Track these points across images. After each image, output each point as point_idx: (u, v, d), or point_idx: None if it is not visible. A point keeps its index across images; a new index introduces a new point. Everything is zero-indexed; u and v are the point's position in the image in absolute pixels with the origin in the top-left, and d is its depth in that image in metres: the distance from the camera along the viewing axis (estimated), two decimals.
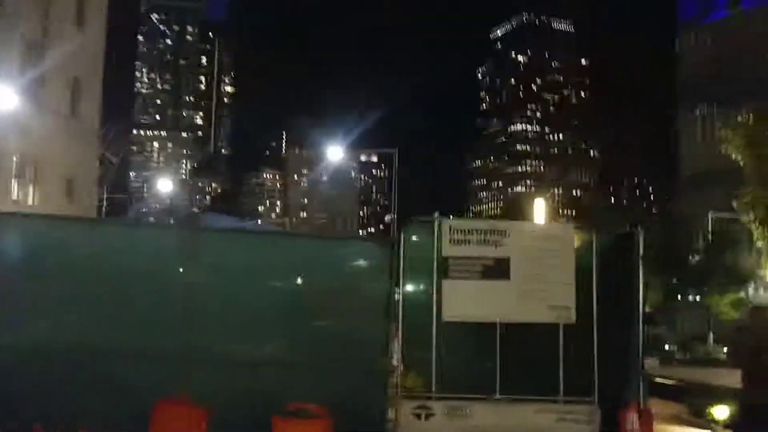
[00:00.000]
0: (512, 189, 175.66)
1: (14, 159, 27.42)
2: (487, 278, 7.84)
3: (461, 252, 7.87)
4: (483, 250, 7.89)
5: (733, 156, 16.11)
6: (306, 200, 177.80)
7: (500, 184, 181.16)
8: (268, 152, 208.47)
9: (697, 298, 42.21)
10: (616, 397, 7.55)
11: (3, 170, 26.31)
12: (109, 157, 36.05)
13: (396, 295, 7.76)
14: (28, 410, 6.88)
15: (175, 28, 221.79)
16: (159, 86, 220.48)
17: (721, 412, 12.76)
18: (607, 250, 8.06)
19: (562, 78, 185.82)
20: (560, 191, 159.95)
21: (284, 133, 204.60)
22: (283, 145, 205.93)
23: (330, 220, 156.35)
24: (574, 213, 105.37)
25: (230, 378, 7.39)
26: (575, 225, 8.45)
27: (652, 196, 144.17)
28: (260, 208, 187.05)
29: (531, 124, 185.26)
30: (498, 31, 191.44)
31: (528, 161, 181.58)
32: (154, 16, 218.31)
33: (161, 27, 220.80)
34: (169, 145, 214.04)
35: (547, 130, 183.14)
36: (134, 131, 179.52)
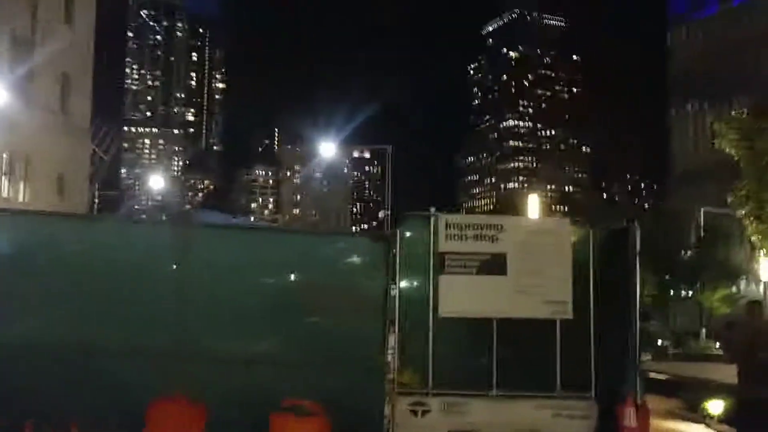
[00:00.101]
0: (505, 185, 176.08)
1: (4, 156, 27.22)
2: (483, 273, 7.79)
3: (457, 247, 7.82)
4: (479, 245, 7.83)
5: (727, 150, 16.13)
6: (298, 197, 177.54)
7: (493, 180, 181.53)
8: (260, 149, 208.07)
9: (689, 293, 42.40)
10: (613, 393, 7.53)
11: None
12: (100, 153, 35.87)
13: (392, 291, 7.70)
14: (20, 408, 6.80)
15: (165, 23, 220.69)
16: (149, 83, 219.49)
17: (715, 407, 12.81)
18: (604, 245, 8.02)
19: (553, 74, 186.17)
20: (552, 187, 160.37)
21: (276, 129, 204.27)
22: (276, 141, 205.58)
23: (323, 217, 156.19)
24: (566, 209, 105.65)
25: (225, 375, 7.32)
26: (572, 220, 8.39)
27: (643, 191, 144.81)
28: (253, 205, 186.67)
29: (523, 120, 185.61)
30: (489, 27, 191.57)
31: (520, 157, 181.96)
32: (143, 12, 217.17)
33: (150, 23, 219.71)
34: (161, 141, 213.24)
35: (539, 126, 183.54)
36: (125, 128, 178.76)
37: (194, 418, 6.47)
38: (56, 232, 7.89)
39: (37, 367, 7.13)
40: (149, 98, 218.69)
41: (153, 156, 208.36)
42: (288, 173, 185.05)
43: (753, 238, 16.08)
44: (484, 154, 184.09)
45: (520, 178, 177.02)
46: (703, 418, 13.06)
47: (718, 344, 37.13)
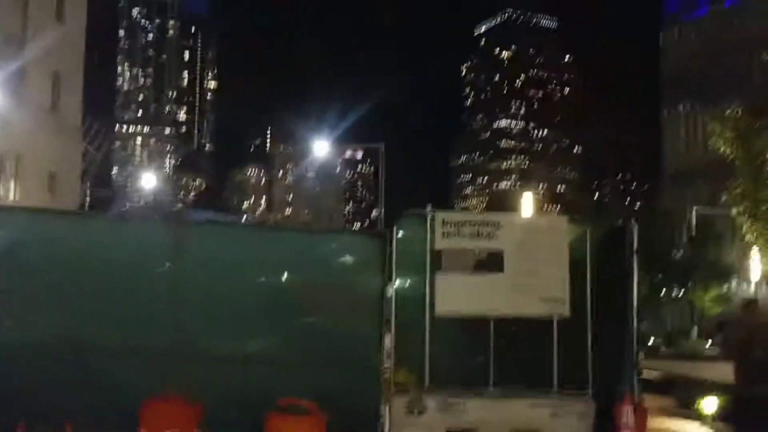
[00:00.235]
0: (497, 185, 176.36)
1: None
2: (480, 271, 7.75)
3: (454, 245, 7.77)
4: (476, 242, 7.79)
5: (722, 149, 16.19)
6: (291, 197, 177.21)
7: (485, 179, 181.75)
8: (252, 148, 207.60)
9: (681, 293, 42.57)
10: (611, 391, 7.50)
11: None
12: (92, 152, 35.69)
13: (388, 290, 7.65)
14: (13, 407, 6.71)
15: (157, 22, 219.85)
16: (141, 81, 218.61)
17: (709, 405, 12.82)
18: (601, 244, 8.00)
19: (546, 74, 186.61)
20: (544, 187, 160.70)
21: (269, 129, 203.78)
22: (268, 141, 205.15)
23: (315, 217, 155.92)
24: (558, 209, 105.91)
25: (221, 375, 7.26)
26: (569, 217, 8.36)
27: (635, 192, 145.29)
28: (244, 205, 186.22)
29: (515, 120, 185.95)
30: (482, 27, 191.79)
31: (512, 157, 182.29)
32: (135, 11, 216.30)
33: (142, 22, 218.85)
34: (152, 141, 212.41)
35: (531, 126, 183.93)
36: (116, 127, 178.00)
37: (188, 417, 6.40)
38: (50, 230, 7.80)
39: (30, 367, 7.05)
40: (141, 97, 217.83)
41: (145, 155, 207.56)
42: (280, 173, 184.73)
43: (748, 237, 16.13)
44: (477, 154, 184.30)
45: (513, 177, 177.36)
46: (697, 416, 13.07)
47: (709, 343, 37.36)
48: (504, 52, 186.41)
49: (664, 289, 39.02)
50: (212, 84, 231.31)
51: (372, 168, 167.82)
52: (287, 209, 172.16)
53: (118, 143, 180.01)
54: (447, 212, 8.27)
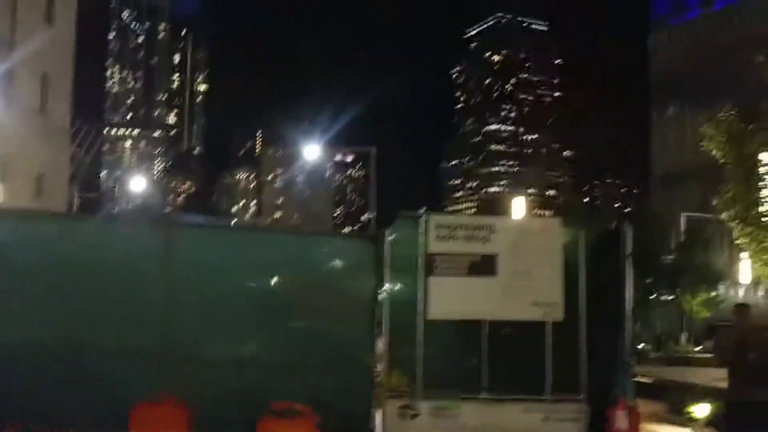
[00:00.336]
0: (487, 189, 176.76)
1: None
2: (473, 275, 7.72)
3: (447, 248, 7.74)
4: (469, 246, 7.76)
5: (714, 153, 16.26)
6: (280, 200, 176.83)
7: (475, 183, 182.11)
8: (242, 152, 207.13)
9: (670, 297, 42.74)
10: (603, 395, 7.49)
11: None
12: (80, 154, 35.45)
13: (381, 293, 7.61)
14: (6, 407, 6.61)
15: (147, 25, 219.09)
16: (130, 84, 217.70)
17: (700, 410, 12.83)
18: (594, 247, 7.99)
19: (536, 78, 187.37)
20: (534, 191, 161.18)
21: (258, 132, 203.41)
22: (257, 144, 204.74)
23: (305, 220, 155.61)
24: (547, 213, 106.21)
25: (213, 377, 7.20)
26: (562, 220, 8.35)
27: (625, 194, 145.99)
28: (234, 208, 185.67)
29: (506, 124, 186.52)
30: (473, 31, 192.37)
31: (503, 161, 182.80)
32: (125, 13, 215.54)
33: (132, 24, 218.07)
34: (142, 143, 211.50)
35: (521, 129, 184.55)
36: (105, 130, 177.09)
37: (178, 419, 6.33)
38: (40, 231, 7.69)
39: (24, 368, 6.97)
40: (130, 100, 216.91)
41: (134, 158, 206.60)
42: (270, 176, 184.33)
43: (739, 241, 16.19)
44: (467, 158, 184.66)
45: (503, 181, 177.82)
46: (687, 421, 13.07)
47: (698, 348, 37.52)
48: (495, 55, 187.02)
49: (653, 293, 39.16)
50: (202, 87, 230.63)
51: (362, 171, 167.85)
52: (277, 213, 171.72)
53: (107, 146, 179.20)
54: (441, 215, 8.24)
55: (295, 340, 7.56)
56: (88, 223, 8.90)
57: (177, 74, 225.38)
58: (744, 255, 28.42)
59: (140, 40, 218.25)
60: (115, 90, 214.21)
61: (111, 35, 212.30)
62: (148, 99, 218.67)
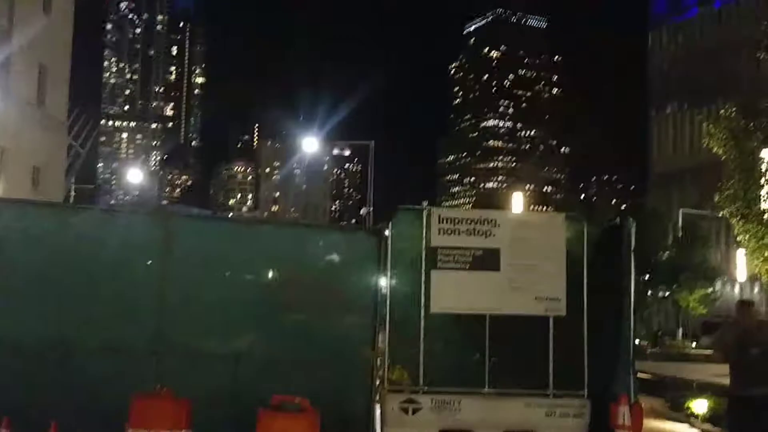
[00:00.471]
0: (484, 185, 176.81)
1: None
2: (476, 269, 7.66)
3: (450, 242, 7.67)
4: (472, 240, 7.69)
5: (715, 150, 16.23)
6: (277, 194, 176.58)
7: (472, 179, 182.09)
8: (239, 145, 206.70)
9: (667, 293, 42.82)
10: (606, 391, 7.44)
11: None
12: (77, 146, 35.26)
13: (383, 286, 7.54)
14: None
15: (145, 16, 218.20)
16: (128, 76, 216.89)
17: (698, 406, 12.83)
18: (598, 242, 7.93)
19: (534, 74, 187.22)
20: (531, 187, 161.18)
21: (256, 125, 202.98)
22: (255, 137, 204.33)
23: (302, 214, 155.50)
24: (544, 209, 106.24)
25: (215, 372, 7.13)
26: (566, 215, 8.28)
27: (623, 192, 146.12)
28: (231, 202, 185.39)
29: (503, 120, 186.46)
30: (471, 27, 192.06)
31: (500, 157, 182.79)
32: (123, 4, 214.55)
33: (130, 15, 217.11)
34: (138, 136, 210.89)
35: (519, 126, 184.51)
36: (102, 121, 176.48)
37: (179, 414, 6.25)
38: (32, 222, 7.57)
39: (15, 364, 6.87)
40: (127, 92, 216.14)
41: (130, 150, 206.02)
42: (267, 169, 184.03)
43: (739, 238, 16.17)
44: (464, 153, 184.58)
45: (500, 177, 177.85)
46: (686, 416, 13.07)
47: (694, 344, 37.62)
48: (492, 51, 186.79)
49: (650, 290, 39.25)
50: (200, 80, 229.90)
51: (359, 166, 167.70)
52: (274, 206, 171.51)
53: (103, 138, 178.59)
54: (444, 209, 8.17)
55: (295, 335, 7.49)
56: (84, 213, 8.78)
57: (174, 66, 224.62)
58: (740, 252, 28.46)
59: (138, 31, 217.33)
60: (112, 82, 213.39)
61: (108, 26, 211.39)
62: (145, 91, 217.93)
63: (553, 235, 7.86)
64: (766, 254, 15.59)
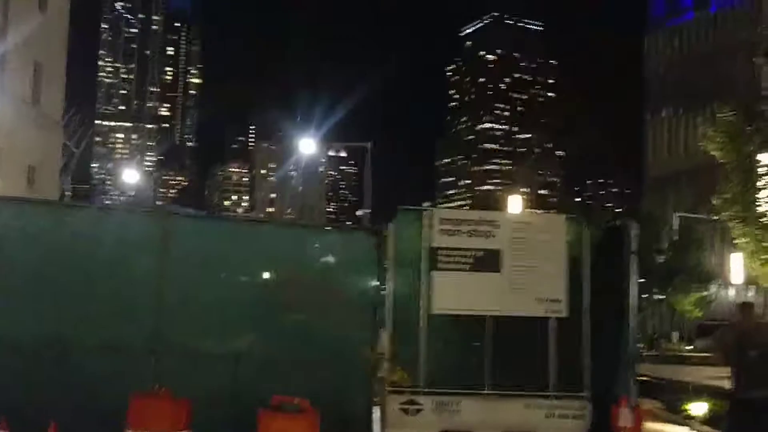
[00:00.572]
0: (480, 187, 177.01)
1: None
2: (477, 270, 7.63)
3: (451, 243, 7.64)
4: (473, 241, 7.66)
5: (713, 153, 16.26)
6: (273, 195, 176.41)
7: (468, 182, 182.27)
8: (235, 146, 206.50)
9: (662, 296, 42.94)
10: (607, 393, 7.42)
11: None
12: (72, 146, 35.13)
13: (383, 287, 7.50)
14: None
15: (141, 16, 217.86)
16: (123, 76, 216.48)
17: (696, 408, 12.82)
18: (599, 244, 7.91)
19: (530, 77, 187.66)
20: (527, 190, 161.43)
21: (252, 126, 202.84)
22: (251, 138, 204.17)
23: (298, 216, 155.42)
24: (540, 212, 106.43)
25: (211, 372, 7.08)
26: (567, 216, 8.27)
27: (618, 195, 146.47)
28: (226, 203, 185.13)
29: (499, 123, 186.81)
30: (468, 29, 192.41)
31: (495, 160, 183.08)
32: (119, 4, 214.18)
33: (126, 15, 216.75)
34: (134, 136, 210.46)
35: (515, 129, 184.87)
36: (97, 121, 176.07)
37: (178, 414, 6.20)
38: (29, 220, 7.50)
39: (12, 363, 6.81)
40: (123, 92, 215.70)
41: (125, 151, 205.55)
42: (263, 171, 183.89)
43: (737, 241, 16.22)
44: (460, 156, 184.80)
45: (495, 180, 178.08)
46: (684, 419, 13.06)
47: (689, 346, 37.69)
48: (489, 54, 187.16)
49: (645, 293, 39.36)
50: (196, 80, 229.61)
51: (355, 168, 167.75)
52: (269, 208, 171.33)
53: (98, 138, 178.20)
54: (444, 210, 8.14)
55: (295, 335, 7.45)
56: (81, 212, 8.72)
57: (170, 67, 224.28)
58: (736, 255, 28.58)
59: (134, 31, 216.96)
60: (107, 82, 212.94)
61: (104, 26, 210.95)
62: (140, 91, 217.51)
63: (554, 237, 7.84)
64: (763, 256, 15.62)
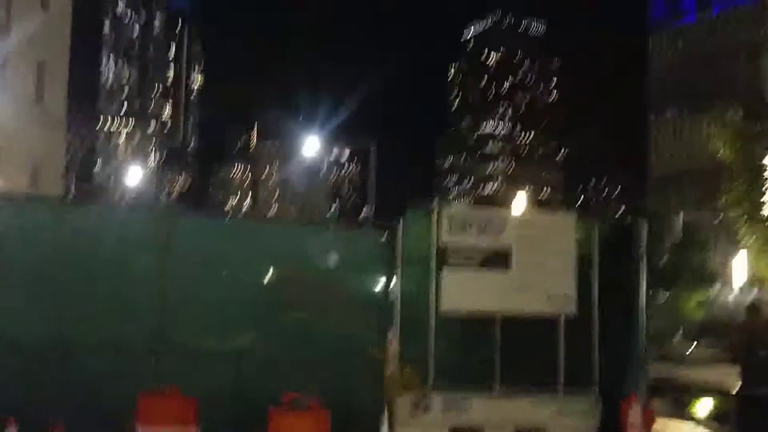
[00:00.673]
0: (482, 188, 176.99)
1: None
2: (486, 268, 7.60)
3: (460, 241, 7.61)
4: (483, 239, 7.64)
5: (721, 152, 16.25)
6: (276, 195, 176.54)
7: (470, 182, 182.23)
8: (238, 145, 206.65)
9: (666, 296, 42.82)
10: (617, 391, 7.40)
11: None
12: (75, 145, 35.17)
13: (392, 285, 7.48)
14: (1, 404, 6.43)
15: (143, 16, 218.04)
16: (126, 76, 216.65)
17: (703, 406, 12.80)
18: (609, 241, 7.89)
19: (533, 78, 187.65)
20: (530, 191, 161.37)
21: (255, 126, 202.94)
22: (254, 138, 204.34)
23: (301, 216, 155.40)
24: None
25: (225, 370, 7.06)
26: (576, 214, 8.26)
27: (621, 196, 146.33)
28: (229, 203, 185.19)
29: (502, 123, 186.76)
30: (471, 30, 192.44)
31: (498, 161, 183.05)
32: (121, 4, 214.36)
33: (128, 15, 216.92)
34: (136, 136, 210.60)
35: (518, 129, 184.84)
36: (100, 121, 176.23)
37: (187, 412, 6.19)
38: (32, 219, 7.47)
39: (18, 364, 6.78)
40: (125, 91, 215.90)
41: (128, 150, 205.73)
42: (266, 170, 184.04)
43: (744, 240, 16.20)
44: (463, 156, 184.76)
45: (498, 181, 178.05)
46: (690, 416, 13.04)
47: (692, 346, 37.60)
48: (491, 55, 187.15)
49: (650, 292, 39.25)
50: (198, 80, 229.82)
51: (358, 167, 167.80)
52: (273, 207, 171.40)
53: (101, 137, 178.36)
54: (454, 207, 8.13)
55: (303, 334, 7.43)
56: (83, 211, 8.68)
57: (173, 66, 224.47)
58: (741, 255, 28.57)
59: (136, 31, 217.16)
60: (110, 81, 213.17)
61: (106, 25, 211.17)
62: (143, 91, 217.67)
63: (564, 235, 7.83)
64: None
